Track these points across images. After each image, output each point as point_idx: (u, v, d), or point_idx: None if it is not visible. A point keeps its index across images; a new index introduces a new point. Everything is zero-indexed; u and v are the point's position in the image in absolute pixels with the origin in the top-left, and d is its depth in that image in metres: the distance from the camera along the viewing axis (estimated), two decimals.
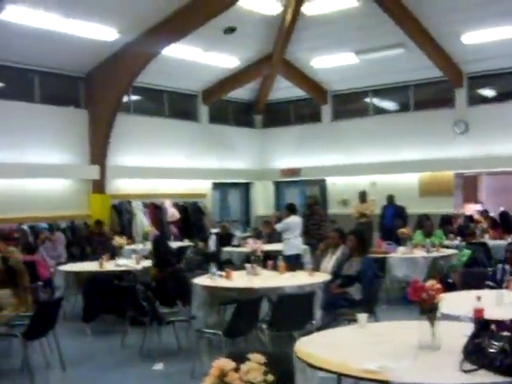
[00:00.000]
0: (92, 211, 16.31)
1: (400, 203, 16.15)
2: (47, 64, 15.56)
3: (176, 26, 14.83)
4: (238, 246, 13.19)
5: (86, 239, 14.88)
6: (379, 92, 19.76)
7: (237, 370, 3.13)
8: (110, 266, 10.13)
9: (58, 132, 15.84)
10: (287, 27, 16.77)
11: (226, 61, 17.93)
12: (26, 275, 8.23)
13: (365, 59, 17.52)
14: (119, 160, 17.01)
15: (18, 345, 7.07)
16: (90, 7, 13.36)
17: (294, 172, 20.60)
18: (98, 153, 16.39)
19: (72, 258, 12.88)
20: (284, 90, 20.46)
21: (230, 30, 15.83)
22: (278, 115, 21.75)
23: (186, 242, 14.57)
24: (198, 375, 6.61)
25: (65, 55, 15.24)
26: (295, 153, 20.69)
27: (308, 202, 15.13)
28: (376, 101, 19.99)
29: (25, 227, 14.18)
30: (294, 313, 6.99)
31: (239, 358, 3.24)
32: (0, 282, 8.15)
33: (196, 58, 17.06)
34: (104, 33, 14.50)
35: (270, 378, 3.17)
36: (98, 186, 16.48)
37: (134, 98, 18.19)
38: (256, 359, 3.19)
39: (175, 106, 19.43)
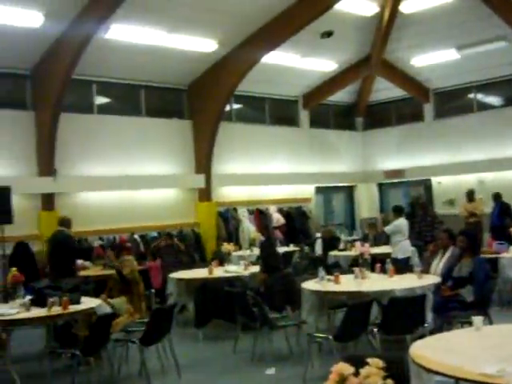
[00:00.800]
0: (199, 219, 16.70)
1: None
2: (152, 78, 16.10)
3: (273, 34, 14.98)
4: (344, 249, 13.13)
5: (194, 246, 15.26)
6: (483, 87, 19.16)
7: (356, 374, 3.12)
8: (219, 272, 10.33)
9: (164, 143, 16.34)
10: (385, 27, 16.59)
11: (324, 65, 17.94)
12: (140, 283, 8.55)
13: (466, 54, 17.06)
14: (223, 168, 17.33)
15: (135, 350, 7.31)
16: (190, 21, 13.74)
17: (397, 173, 20.31)
18: (203, 162, 16.76)
19: (181, 266, 13.20)
20: (384, 90, 20.24)
21: (327, 34, 15.80)
22: (379, 116, 21.51)
23: (291, 247, 14.63)
24: (310, 380, 6.66)
25: (168, 69, 15.72)
26: (398, 153, 20.39)
27: (419, 202, 14.85)
28: (480, 96, 19.39)
29: (136, 236, 14.68)
30: (405, 316, 6.90)
31: (354, 363, 3.24)
32: (116, 291, 8.52)
33: (294, 64, 17.16)
34: (204, 45, 14.85)
35: (390, 382, 3.14)
36: (204, 194, 16.84)
37: (236, 106, 18.49)
38: (375, 364, 3.17)
39: (276, 112, 19.58)
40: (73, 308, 6.99)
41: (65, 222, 10.82)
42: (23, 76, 14.25)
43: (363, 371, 3.11)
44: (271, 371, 7.33)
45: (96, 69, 14.61)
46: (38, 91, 14.12)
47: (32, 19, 12.24)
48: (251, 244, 14.67)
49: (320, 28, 15.35)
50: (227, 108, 17.59)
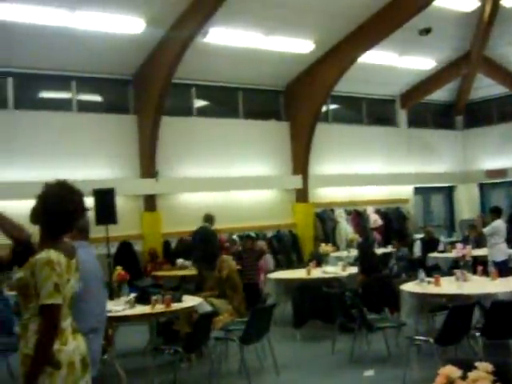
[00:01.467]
0: (296, 220, 16.77)
1: None
2: (250, 81, 16.29)
3: (371, 33, 14.85)
4: (444, 251, 12.85)
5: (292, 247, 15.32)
6: None
7: (463, 378, 3.06)
8: (317, 273, 10.35)
9: (261, 145, 16.49)
10: (486, 22, 16.14)
11: (423, 63, 17.63)
12: (239, 283, 8.69)
13: None
14: (320, 169, 17.33)
15: (235, 348, 7.43)
16: (287, 23, 13.83)
17: (500, 173, 19.67)
18: (300, 163, 16.82)
19: (279, 266, 13.31)
20: (485, 88, 19.65)
21: (426, 31, 15.50)
22: (479, 115, 20.92)
23: (389, 249, 14.46)
24: (410, 382, 6.58)
25: (265, 71, 15.87)
26: (500, 153, 19.74)
27: None
28: None
29: (234, 237, 14.88)
30: (509, 320, 6.71)
31: (459, 366, 3.18)
32: (216, 290, 8.71)
33: (392, 63, 16.95)
34: (301, 46, 14.91)
35: None
36: (302, 195, 16.90)
37: (333, 106, 18.44)
38: (484, 368, 3.10)
39: (373, 112, 19.40)
40: (175, 306, 7.19)
41: (209, 219, 11.70)
42: (126, 81, 14.77)
43: (471, 375, 3.04)
44: (370, 373, 7.29)
45: (195, 72, 14.93)
46: (139, 95, 14.59)
47: (134, 26, 12.67)
48: (348, 245, 14.61)
49: (418, 25, 15.09)
50: (324, 109, 17.57)
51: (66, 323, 3.24)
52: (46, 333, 3.10)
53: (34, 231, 3.48)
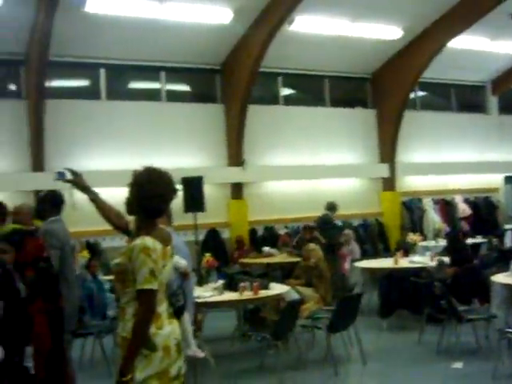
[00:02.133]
0: (383, 208, 16.61)
1: None
2: (336, 68, 16.19)
3: (460, 17, 14.44)
4: None
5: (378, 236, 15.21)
6: None
7: None
8: (404, 262, 10.24)
9: (347, 133, 16.38)
10: None
11: None
12: (326, 272, 8.72)
13: None
14: (408, 157, 17.07)
15: (321, 336, 7.47)
16: (374, 9, 13.63)
17: None
18: (387, 151, 16.63)
19: (365, 255, 13.24)
20: None
21: None
22: None
23: (478, 239, 14.12)
24: (500, 376, 6.45)
25: (352, 58, 15.73)
26: None
27: None
28: None
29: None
30: None
31: None
32: (302, 278, 8.76)
33: (483, 48, 16.44)
34: (389, 32, 14.68)
35: None
36: (388, 184, 16.71)
37: (421, 93, 18.10)
38: None
39: (462, 98, 18.90)
40: (262, 293, 7.29)
41: (331, 207, 12.09)
42: (214, 70, 14.97)
43: None
44: (458, 365, 7.18)
45: (281, 61, 14.96)
46: (227, 84, 14.77)
47: (222, 16, 12.82)
48: (436, 235, 14.37)
49: (510, 9, 14.58)
50: (412, 96, 17.28)
51: (162, 308, 3.36)
52: (143, 317, 3.22)
53: (131, 219, 3.62)
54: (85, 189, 3.86)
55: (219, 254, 12.72)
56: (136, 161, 11.25)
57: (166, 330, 3.32)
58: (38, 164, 12.62)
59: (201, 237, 13.20)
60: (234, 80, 14.42)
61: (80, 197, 4.20)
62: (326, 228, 11.78)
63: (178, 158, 13.58)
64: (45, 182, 11.43)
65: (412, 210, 16.71)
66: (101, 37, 12.65)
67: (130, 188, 3.46)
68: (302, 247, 10.47)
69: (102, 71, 13.89)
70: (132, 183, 3.45)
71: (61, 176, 3.87)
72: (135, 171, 3.49)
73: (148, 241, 3.27)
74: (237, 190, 14.77)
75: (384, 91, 16.50)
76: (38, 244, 5.16)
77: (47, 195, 5.92)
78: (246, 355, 7.66)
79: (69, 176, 3.87)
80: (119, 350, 3.37)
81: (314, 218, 14.45)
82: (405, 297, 9.21)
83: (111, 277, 8.55)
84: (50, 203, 5.77)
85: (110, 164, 13.06)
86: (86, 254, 10.54)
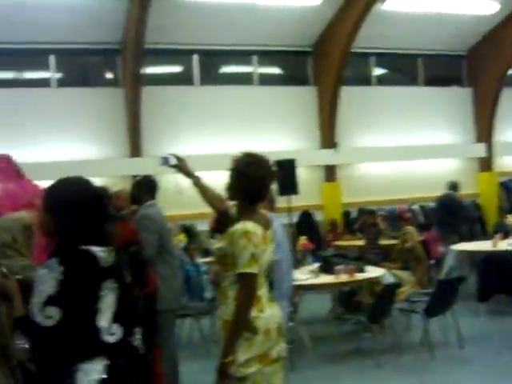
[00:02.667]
0: (480, 190, 16.17)
1: None
2: (429, 46, 15.80)
3: None
4: None
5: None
6: None
7: None
8: (503, 245, 9.94)
9: (441, 113, 16.01)
10: None
11: None
12: (423, 255, 8.60)
13: None
14: (506, 136, 16.50)
15: (418, 320, 7.38)
16: None
17: None
18: (484, 130, 16.15)
19: (461, 238, 12.93)
20: None
21: None
22: None
23: None
24: None
25: (445, 35, 15.31)
26: None
27: None
28: None
29: (415, 207, 14.68)
30: None
31: None
32: (399, 261, 8.69)
33: None
34: (485, 6, 14.20)
35: None
36: (485, 164, 16.24)
37: None
38: None
39: None
40: (358, 276, 7.27)
41: (454, 186, 11.76)
42: (305, 53, 14.95)
43: None
44: None
45: (373, 40, 14.74)
46: (319, 66, 14.71)
47: None
48: None
49: None
50: (510, 72, 16.65)
51: (262, 292, 3.41)
52: (244, 300, 3.28)
53: (231, 204, 3.69)
54: (188, 173, 3.95)
55: (313, 236, 12.73)
56: (231, 144, 11.52)
57: (267, 313, 3.36)
58: (135, 150, 12.99)
59: (294, 219, 13.25)
60: (325, 61, 14.35)
61: (183, 181, 4.29)
62: (454, 209, 11.45)
63: (270, 142, 13.66)
64: (142, 167, 11.84)
65: (510, 190, 16.18)
66: (193, 23, 12.84)
67: (230, 173, 3.52)
68: (364, 232, 10.39)
69: (195, 57, 14.11)
70: (232, 168, 3.50)
71: (165, 161, 3.96)
72: (235, 157, 3.54)
73: (249, 225, 3.32)
74: (330, 172, 14.73)
75: (480, 68, 15.99)
76: (129, 229, 5.26)
77: (142, 180, 6.01)
78: (342, 338, 7.68)
79: (173, 161, 3.96)
80: (221, 333, 3.44)
81: (409, 200, 14.26)
82: (504, 281, 8.95)
83: (208, 259, 8.78)
84: (145, 188, 5.85)
85: (205, 148, 13.29)
86: (182, 238, 10.79)
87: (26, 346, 2.44)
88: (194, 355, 7.45)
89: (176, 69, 14.84)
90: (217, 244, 3.49)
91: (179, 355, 5.86)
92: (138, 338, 2.70)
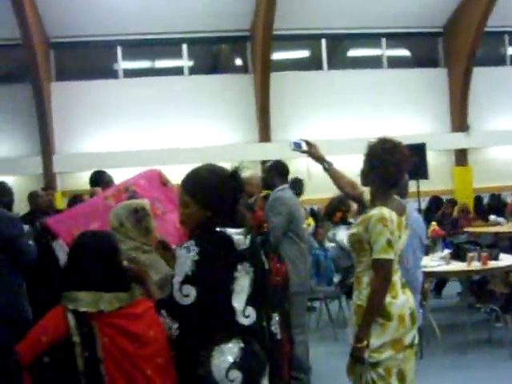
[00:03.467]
0: None
1: None
2: None
3: None
4: None
5: None
6: None
7: None
8: None
9: None
10: None
11: None
12: None
13: None
14: None
15: None
16: None
17: None
18: None
19: None
20: None
21: None
22: None
23: None
24: None
25: None
26: None
27: None
28: None
29: None
30: None
31: None
32: None
33: None
34: None
35: None
36: None
37: None
38: None
39: None
40: (492, 264, 7.05)
41: None
42: (435, 34, 14.55)
43: None
44: None
45: (508, 19, 14.10)
46: (449, 47, 14.32)
47: None
48: None
49: None
50: None
51: (396, 278, 3.42)
52: (378, 286, 3.30)
53: (365, 190, 3.71)
54: (319, 159, 3.98)
55: (443, 222, 12.44)
56: (358, 129, 11.41)
57: (401, 299, 3.37)
58: (264, 135, 13.20)
59: (423, 204, 13.01)
60: (457, 42, 13.93)
61: (313, 166, 4.33)
62: None
63: (399, 125, 13.46)
64: (271, 152, 12.04)
65: None
66: (321, 7, 12.83)
67: (364, 159, 3.53)
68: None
69: (323, 41, 14.10)
70: (367, 154, 3.51)
71: (297, 146, 4.01)
72: (370, 142, 3.54)
73: (385, 211, 3.33)
74: (461, 156, 14.33)
75: None
76: (256, 218, 5.31)
77: (273, 165, 6.09)
78: (472, 327, 7.48)
79: (304, 146, 4.01)
80: (353, 317, 3.48)
81: None
82: None
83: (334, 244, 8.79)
84: (276, 173, 5.92)
85: (333, 133, 13.28)
86: (310, 222, 10.85)
87: (173, 325, 2.55)
88: (323, 339, 7.53)
89: (304, 53, 14.90)
90: (351, 230, 3.52)
91: (308, 339, 5.94)
92: (275, 324, 2.78)
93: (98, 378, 2.46)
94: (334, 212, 8.06)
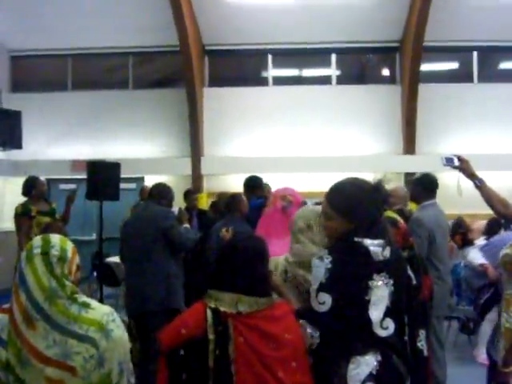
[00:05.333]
0: None
1: None
2: None
3: None
4: None
5: None
6: None
7: None
8: None
9: None
10: None
11: None
12: None
13: None
14: None
15: None
16: None
17: None
18: None
19: None
20: None
21: None
22: None
23: None
24: None
25: None
26: None
27: None
28: None
29: None
30: None
31: None
32: None
33: None
34: None
35: None
36: None
37: None
38: None
39: None
40: None
41: None
42: None
43: None
44: None
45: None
46: None
47: None
48: None
49: None
50: None
51: None
52: None
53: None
54: (471, 175, 3.93)
55: None
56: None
57: None
58: (409, 147, 13.02)
59: None
60: None
61: (464, 181, 4.25)
62: None
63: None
64: (415, 164, 11.90)
65: None
66: (475, 19, 12.49)
67: None
68: None
69: (475, 54, 13.72)
70: None
71: (449, 161, 3.97)
72: None
73: None
74: None
75: None
76: (399, 232, 5.10)
77: (420, 178, 5.97)
78: None
79: (456, 162, 3.96)
80: (501, 341, 3.37)
81: None
82: None
83: None
84: (422, 186, 5.79)
85: (485, 147, 12.73)
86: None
87: (315, 333, 2.60)
88: (461, 358, 7.34)
89: (453, 65, 14.56)
90: (504, 250, 3.46)
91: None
92: (422, 340, 2.75)
93: (228, 377, 2.51)
94: (453, 236, 7.83)
